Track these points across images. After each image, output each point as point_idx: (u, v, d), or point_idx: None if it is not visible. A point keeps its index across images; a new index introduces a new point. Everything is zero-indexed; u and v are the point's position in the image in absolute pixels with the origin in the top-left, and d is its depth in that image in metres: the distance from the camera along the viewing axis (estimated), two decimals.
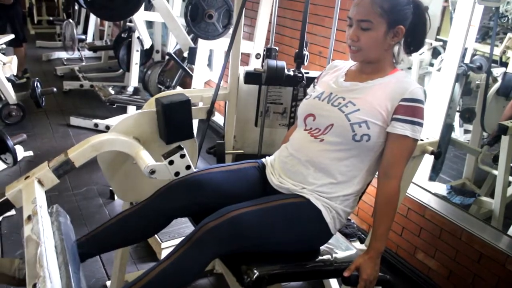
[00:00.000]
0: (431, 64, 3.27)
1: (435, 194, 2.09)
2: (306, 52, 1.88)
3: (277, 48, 1.95)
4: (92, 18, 5.95)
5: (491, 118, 2.51)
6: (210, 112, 1.79)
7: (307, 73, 1.82)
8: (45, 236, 1.08)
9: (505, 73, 2.57)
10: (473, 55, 2.73)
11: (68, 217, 1.32)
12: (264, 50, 1.99)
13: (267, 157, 1.48)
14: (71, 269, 1.05)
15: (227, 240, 1.17)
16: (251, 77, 1.87)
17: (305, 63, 1.89)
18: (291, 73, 1.81)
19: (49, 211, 1.27)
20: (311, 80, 1.73)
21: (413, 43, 1.33)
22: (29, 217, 1.14)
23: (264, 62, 1.87)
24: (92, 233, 1.31)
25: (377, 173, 1.35)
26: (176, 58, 3.37)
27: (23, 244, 1.09)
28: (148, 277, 1.13)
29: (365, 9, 1.24)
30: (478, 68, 2.62)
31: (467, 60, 2.52)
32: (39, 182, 1.34)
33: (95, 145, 1.42)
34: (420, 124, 1.25)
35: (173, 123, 1.56)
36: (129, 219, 1.33)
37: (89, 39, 6.01)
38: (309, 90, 1.48)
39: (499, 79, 2.61)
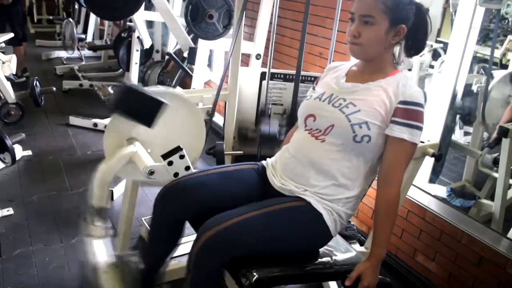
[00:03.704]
0: (431, 66, 3.27)
1: (435, 196, 2.08)
2: None
3: (270, 108, 2.02)
4: (92, 17, 5.93)
5: (492, 108, 2.50)
6: (213, 112, 1.79)
7: None
8: None
9: None
10: (474, 57, 2.73)
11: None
12: (258, 112, 2.08)
13: (268, 159, 1.47)
14: None
15: (226, 251, 1.18)
16: (245, 141, 2.07)
17: None
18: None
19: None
20: None
21: (414, 46, 1.33)
22: None
23: (257, 126, 2.00)
24: (147, 270, 1.42)
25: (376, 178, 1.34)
26: (176, 58, 3.37)
27: None
28: None
29: (368, 4, 1.24)
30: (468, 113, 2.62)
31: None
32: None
33: (102, 181, 1.52)
34: (419, 128, 1.24)
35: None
36: (152, 240, 1.44)
37: (89, 38, 5.99)
38: (308, 92, 1.47)
39: None
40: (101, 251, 1.45)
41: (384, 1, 1.22)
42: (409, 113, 1.22)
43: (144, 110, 1.47)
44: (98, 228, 1.50)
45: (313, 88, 1.45)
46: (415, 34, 1.30)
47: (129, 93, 1.46)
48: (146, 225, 2.24)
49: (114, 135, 1.59)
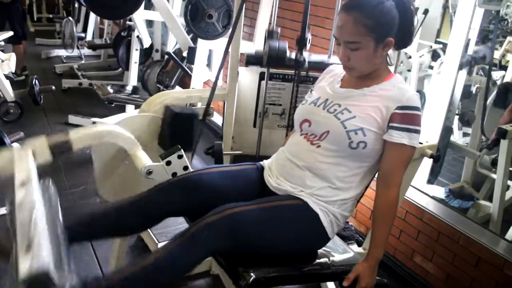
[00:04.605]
0: (431, 67, 3.28)
1: (434, 197, 2.09)
2: (308, 35, 1.81)
3: (279, 29, 1.86)
4: (92, 16, 5.93)
5: (491, 123, 2.50)
6: (206, 112, 1.77)
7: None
8: (39, 203, 1.05)
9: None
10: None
11: (58, 197, 1.26)
12: (265, 31, 1.89)
13: (264, 161, 1.48)
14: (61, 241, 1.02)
15: (224, 236, 1.16)
16: (252, 59, 1.85)
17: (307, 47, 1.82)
18: (293, 56, 1.79)
19: (40, 183, 1.21)
20: (313, 64, 1.70)
21: (403, 40, 1.30)
22: (23, 183, 1.11)
23: (265, 43, 1.82)
24: (82, 217, 1.30)
25: (376, 177, 1.34)
26: (176, 57, 3.36)
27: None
28: (140, 267, 1.13)
29: (349, 31, 1.21)
30: (482, 58, 2.55)
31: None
32: (33, 154, 1.26)
33: (99, 133, 1.40)
34: (417, 132, 1.24)
35: (179, 133, 1.54)
36: (123, 207, 1.31)
37: (89, 37, 5.99)
38: (306, 96, 1.47)
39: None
40: None
41: (364, 23, 1.19)
42: (406, 117, 1.22)
43: (181, 141, 1.47)
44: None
45: (311, 92, 1.45)
46: (402, 33, 1.26)
47: (191, 120, 1.51)
48: None
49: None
